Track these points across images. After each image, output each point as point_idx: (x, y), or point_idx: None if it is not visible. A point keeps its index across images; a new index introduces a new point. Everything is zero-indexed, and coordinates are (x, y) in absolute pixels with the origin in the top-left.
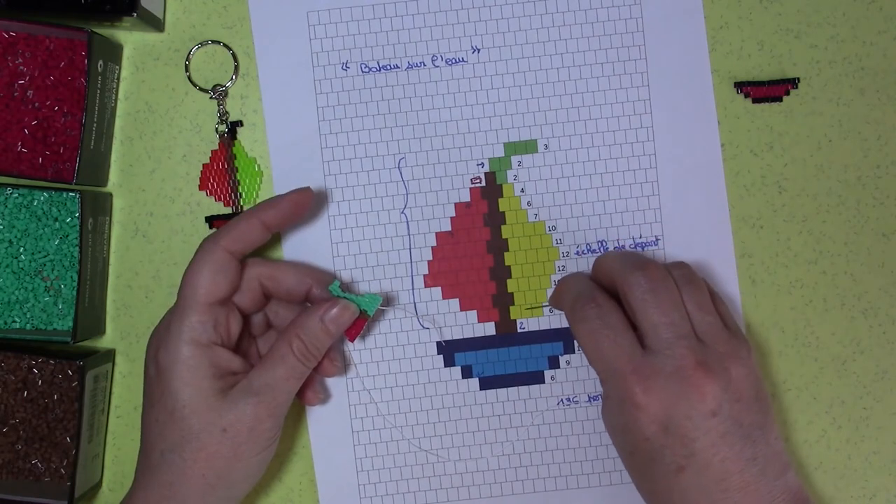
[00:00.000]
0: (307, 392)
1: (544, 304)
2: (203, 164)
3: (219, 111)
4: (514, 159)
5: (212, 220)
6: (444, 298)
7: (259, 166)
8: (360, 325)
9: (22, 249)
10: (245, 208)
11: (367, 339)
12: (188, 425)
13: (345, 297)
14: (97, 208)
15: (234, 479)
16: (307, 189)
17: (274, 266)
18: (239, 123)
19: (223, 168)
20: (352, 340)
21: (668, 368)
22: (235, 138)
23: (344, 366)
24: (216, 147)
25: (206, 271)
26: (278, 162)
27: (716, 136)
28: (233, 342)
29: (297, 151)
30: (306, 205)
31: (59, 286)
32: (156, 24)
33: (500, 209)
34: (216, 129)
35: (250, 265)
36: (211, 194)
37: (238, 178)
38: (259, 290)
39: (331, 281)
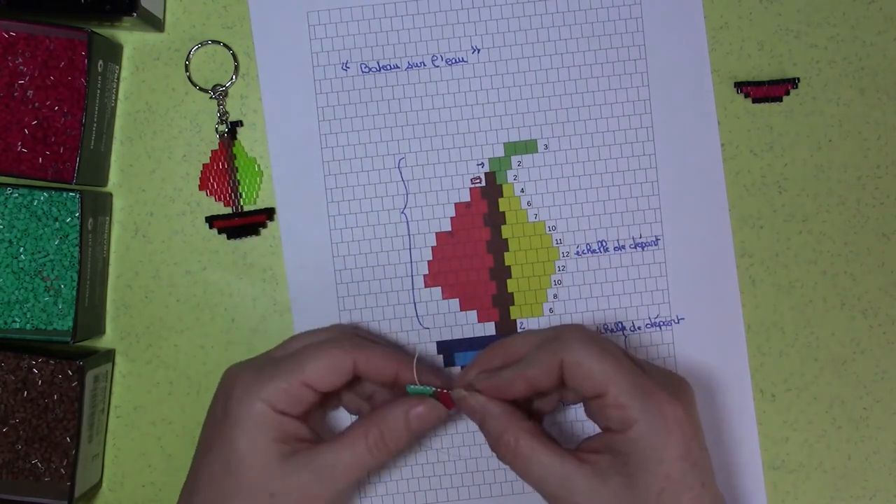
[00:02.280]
0: None
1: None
2: (203, 164)
3: (219, 111)
4: (514, 159)
5: (212, 220)
6: (444, 298)
7: (259, 166)
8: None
9: (22, 249)
10: (245, 208)
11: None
12: (240, 481)
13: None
14: (97, 208)
15: None
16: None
17: (363, 355)
18: (239, 123)
19: (223, 168)
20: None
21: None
22: (235, 138)
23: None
24: (216, 147)
25: (324, 363)
26: (278, 162)
27: (716, 136)
28: (311, 419)
29: (297, 151)
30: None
31: (59, 286)
32: (156, 24)
33: (500, 209)
34: (216, 129)
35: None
36: (211, 194)
37: (238, 178)
38: (351, 377)
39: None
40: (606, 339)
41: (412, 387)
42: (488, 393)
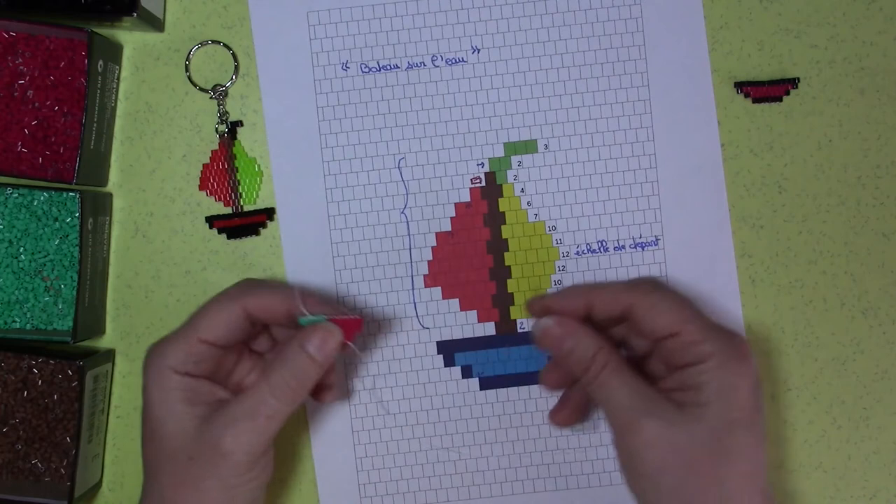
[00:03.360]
0: (321, 393)
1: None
2: (203, 164)
3: (219, 111)
4: (514, 159)
5: (212, 220)
6: (444, 298)
7: (259, 166)
8: (355, 325)
9: (22, 249)
10: (245, 208)
11: (366, 338)
12: (162, 448)
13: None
14: (97, 208)
15: None
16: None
17: (252, 299)
18: (239, 123)
19: (223, 168)
20: (349, 341)
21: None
22: (235, 138)
23: (347, 390)
24: (216, 147)
25: (214, 316)
26: (278, 162)
27: (716, 136)
28: (223, 377)
29: (297, 151)
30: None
31: (59, 286)
32: (156, 24)
33: (500, 209)
34: (216, 129)
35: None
36: (211, 194)
37: (238, 178)
38: (246, 324)
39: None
40: (677, 290)
41: (303, 318)
42: (545, 303)
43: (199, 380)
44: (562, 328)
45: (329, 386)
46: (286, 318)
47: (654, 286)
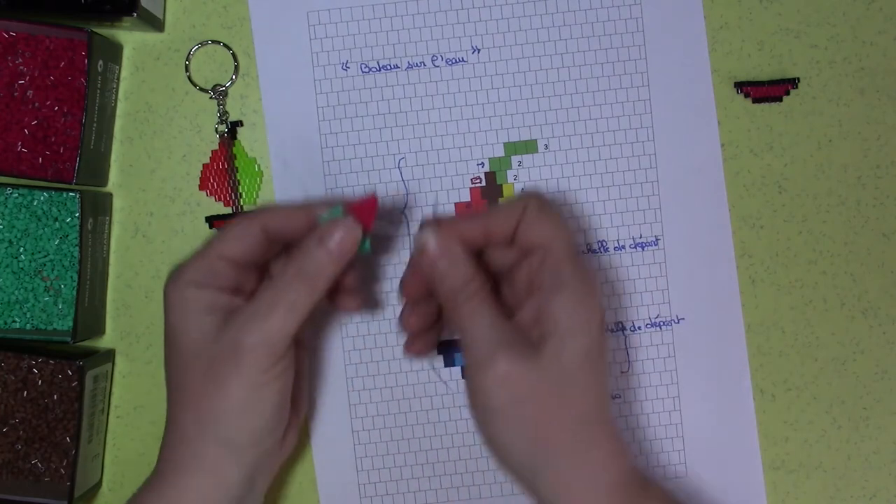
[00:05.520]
0: (342, 298)
1: None
2: (203, 164)
3: (219, 111)
4: (514, 159)
5: (212, 221)
6: None
7: (259, 166)
8: (371, 205)
9: (22, 249)
10: (245, 209)
11: (366, 338)
12: (184, 358)
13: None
14: (97, 208)
15: (225, 420)
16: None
17: (270, 215)
18: (239, 123)
19: (223, 168)
20: (369, 229)
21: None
22: (235, 138)
23: (372, 301)
24: (216, 147)
25: (231, 232)
26: (278, 162)
27: (716, 136)
28: (242, 294)
29: (297, 151)
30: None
31: (59, 286)
32: (156, 24)
33: None
34: (216, 129)
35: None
36: (211, 194)
37: (238, 178)
38: (264, 242)
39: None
40: None
41: (323, 215)
42: (445, 230)
43: (218, 292)
44: (440, 249)
45: (348, 290)
46: (306, 229)
47: (546, 197)
